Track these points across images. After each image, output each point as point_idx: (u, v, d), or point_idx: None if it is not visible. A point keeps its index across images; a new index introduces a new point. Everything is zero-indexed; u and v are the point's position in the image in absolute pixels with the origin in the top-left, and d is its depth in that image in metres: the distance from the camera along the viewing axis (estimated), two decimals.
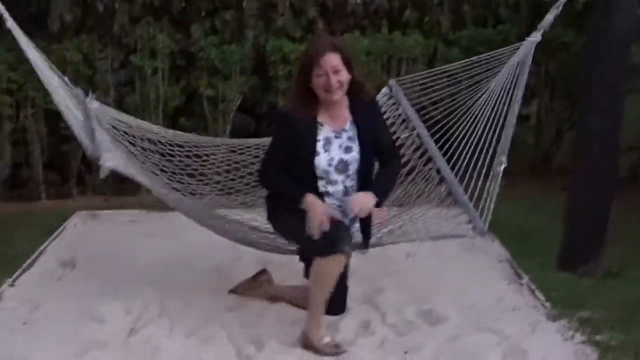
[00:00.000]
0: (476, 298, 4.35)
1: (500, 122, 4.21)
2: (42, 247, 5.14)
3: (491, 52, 4.53)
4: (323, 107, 3.76)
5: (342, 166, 3.78)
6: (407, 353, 3.75)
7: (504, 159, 4.09)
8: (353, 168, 3.81)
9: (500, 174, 4.06)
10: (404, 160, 4.36)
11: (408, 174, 4.39)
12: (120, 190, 6.52)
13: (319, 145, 3.75)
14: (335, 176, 3.78)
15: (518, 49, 4.40)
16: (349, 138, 3.79)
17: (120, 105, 6.56)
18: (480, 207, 4.08)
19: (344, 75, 3.66)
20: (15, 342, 3.82)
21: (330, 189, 3.79)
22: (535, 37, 4.35)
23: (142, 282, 4.55)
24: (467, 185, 4.31)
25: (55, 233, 5.48)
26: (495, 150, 4.17)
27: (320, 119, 3.77)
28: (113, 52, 6.60)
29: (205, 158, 4.50)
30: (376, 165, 3.95)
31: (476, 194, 4.18)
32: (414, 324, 4.09)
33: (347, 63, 3.67)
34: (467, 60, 4.65)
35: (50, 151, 6.55)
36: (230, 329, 4.01)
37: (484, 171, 4.18)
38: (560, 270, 4.78)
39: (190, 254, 4.96)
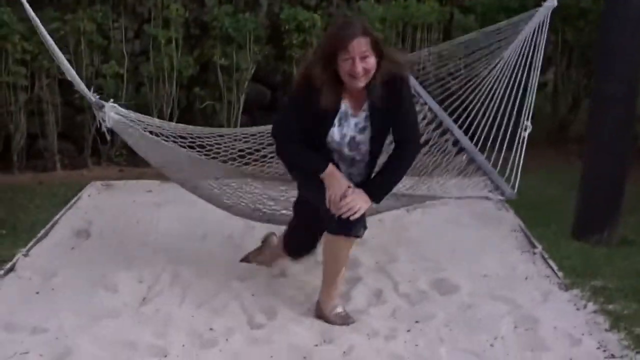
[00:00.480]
0: (489, 267, 4.35)
1: (520, 91, 4.16)
2: (56, 217, 5.16)
3: (505, 21, 4.46)
4: (346, 86, 3.64)
5: (354, 145, 3.72)
6: (419, 322, 3.74)
7: (528, 123, 4.03)
8: (364, 148, 3.74)
9: (526, 138, 4.01)
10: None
11: (422, 146, 4.35)
12: (135, 160, 6.52)
13: (335, 119, 3.68)
14: (346, 151, 3.73)
15: (534, 15, 4.33)
16: (366, 118, 3.69)
17: (134, 75, 6.59)
18: (508, 171, 4.02)
19: (371, 62, 3.51)
20: (29, 311, 3.84)
21: (337, 157, 3.74)
22: (552, 2, 4.27)
23: (155, 252, 4.57)
24: (488, 157, 4.26)
25: (70, 203, 5.49)
26: (515, 120, 4.12)
27: (342, 95, 3.66)
28: (127, 22, 6.58)
29: (209, 148, 4.48)
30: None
31: (499, 164, 4.14)
32: (426, 293, 4.08)
33: (376, 46, 3.53)
34: (481, 30, 4.58)
35: (65, 122, 6.56)
36: (242, 298, 4.02)
37: (505, 142, 4.13)
38: (574, 239, 4.75)
39: (203, 224, 4.97)
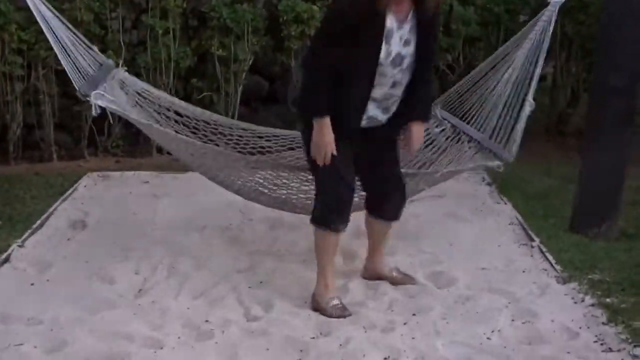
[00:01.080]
0: (486, 260, 4.33)
1: (526, 90, 4.21)
2: (52, 208, 5.13)
3: (516, 36, 4.40)
4: None
5: (399, 60, 3.61)
6: (416, 315, 3.73)
7: (531, 100, 4.15)
8: (407, 62, 3.63)
9: (527, 114, 4.16)
10: (437, 146, 4.39)
11: (441, 153, 4.41)
12: (132, 151, 6.51)
13: (383, 35, 3.55)
14: (389, 70, 3.60)
15: (542, 14, 4.28)
16: (409, 30, 3.59)
17: (131, 66, 6.55)
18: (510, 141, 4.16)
19: None
20: (25, 302, 3.82)
21: (380, 80, 3.60)
22: None
23: (151, 243, 4.56)
24: None
25: (66, 194, 5.46)
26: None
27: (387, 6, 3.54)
28: (124, 12, 6.54)
29: (230, 137, 4.45)
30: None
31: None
32: (423, 286, 4.07)
33: None
34: (492, 56, 4.54)
35: (62, 112, 6.53)
36: (238, 290, 4.00)
37: (512, 132, 4.20)
38: (572, 233, 4.73)
39: (201, 215, 4.96)
